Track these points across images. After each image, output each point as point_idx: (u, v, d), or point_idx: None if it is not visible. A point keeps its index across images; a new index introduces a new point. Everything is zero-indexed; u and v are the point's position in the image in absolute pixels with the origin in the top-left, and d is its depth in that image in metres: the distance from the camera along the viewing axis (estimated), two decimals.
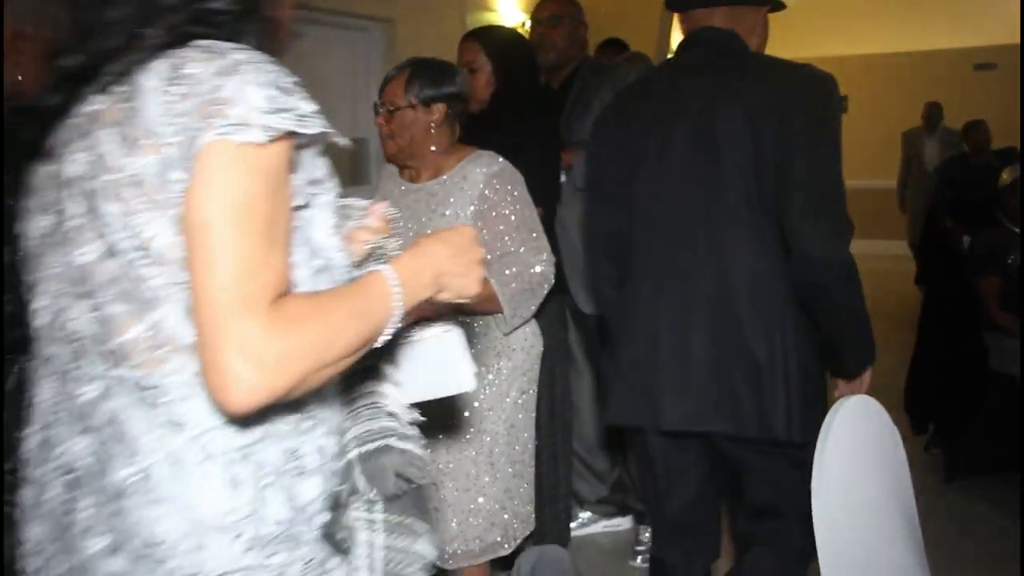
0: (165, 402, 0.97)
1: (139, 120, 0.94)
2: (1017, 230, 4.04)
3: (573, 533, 3.41)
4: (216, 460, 0.97)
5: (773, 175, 1.84)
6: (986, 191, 5.15)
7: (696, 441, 2.02)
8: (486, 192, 2.20)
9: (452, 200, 2.23)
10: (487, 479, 2.24)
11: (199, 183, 0.91)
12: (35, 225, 1.06)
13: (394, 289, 1.05)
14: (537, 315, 2.33)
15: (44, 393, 1.05)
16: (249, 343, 0.88)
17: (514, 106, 2.77)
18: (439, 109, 2.26)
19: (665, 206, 1.96)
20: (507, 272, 2.15)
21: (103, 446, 0.98)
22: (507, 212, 2.21)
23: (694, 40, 2.09)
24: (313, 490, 1.04)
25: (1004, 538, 3.34)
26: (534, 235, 2.24)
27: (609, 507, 3.49)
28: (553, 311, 2.81)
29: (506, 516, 2.25)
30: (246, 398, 0.89)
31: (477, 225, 2.16)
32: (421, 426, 1.30)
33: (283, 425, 1.01)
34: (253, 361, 0.88)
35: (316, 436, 1.04)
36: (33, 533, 1.06)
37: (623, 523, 3.48)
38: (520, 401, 2.32)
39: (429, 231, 2.13)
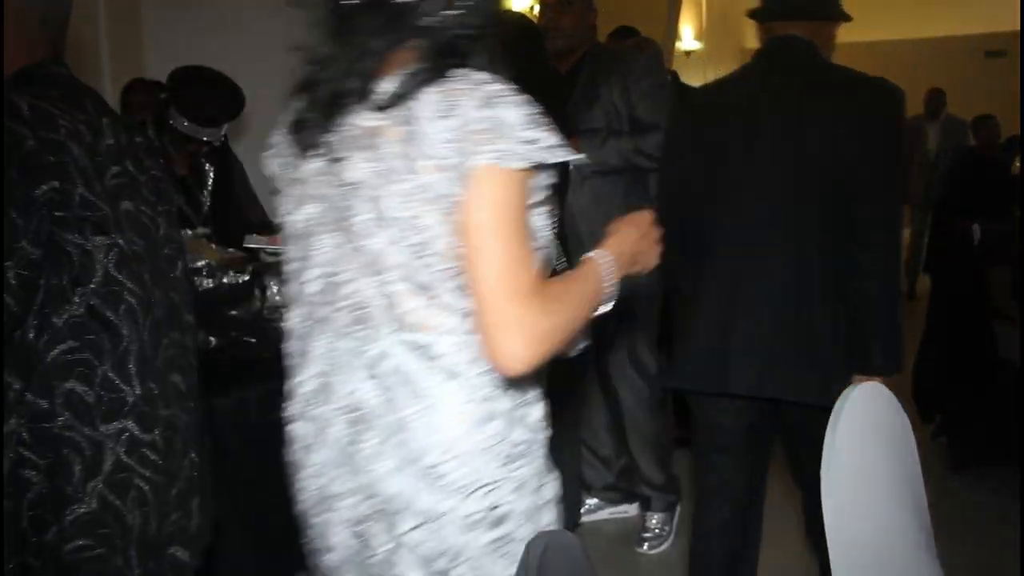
0: (440, 357, 1.24)
1: (418, 143, 1.19)
2: None
3: (580, 520, 3.42)
4: (478, 400, 1.26)
5: (846, 179, 2.10)
6: (997, 183, 5.15)
7: (757, 404, 2.25)
8: None
9: None
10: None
11: (473, 197, 1.18)
12: (304, 210, 1.33)
13: (607, 273, 1.34)
14: None
15: (318, 348, 1.33)
16: (522, 325, 1.17)
17: (522, 91, 2.75)
18: None
19: (748, 198, 2.20)
20: None
21: (388, 391, 1.26)
22: None
23: (775, 47, 2.33)
24: (538, 413, 1.36)
25: (1009, 526, 3.34)
26: None
27: (615, 494, 3.50)
28: None
29: None
30: (520, 366, 1.18)
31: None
32: None
33: None
34: (526, 338, 1.17)
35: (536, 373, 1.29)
36: (316, 459, 1.36)
37: (630, 510, 3.49)
38: None
39: None
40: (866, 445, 1.75)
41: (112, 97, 4.07)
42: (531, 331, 1.17)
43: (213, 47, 4.76)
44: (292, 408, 1.43)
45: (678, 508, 3.37)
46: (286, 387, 1.44)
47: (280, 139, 1.41)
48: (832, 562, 1.68)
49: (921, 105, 8.55)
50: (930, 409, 4.44)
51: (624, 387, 3.23)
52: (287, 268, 1.41)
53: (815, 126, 2.14)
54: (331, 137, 1.27)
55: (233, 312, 2.89)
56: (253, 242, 2.20)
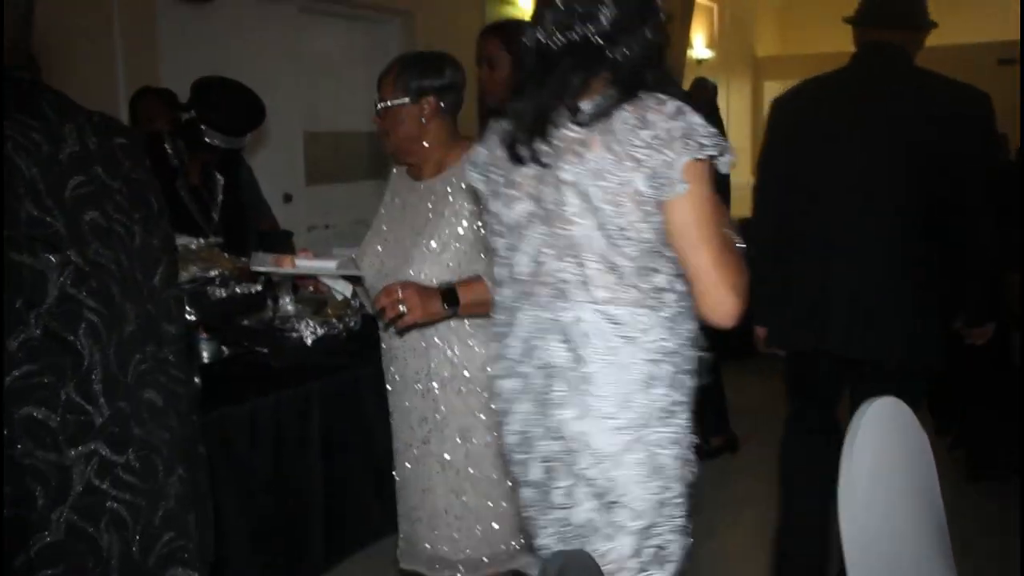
0: (621, 325, 1.53)
1: (621, 149, 1.49)
2: None
3: None
4: (649, 363, 1.54)
5: (940, 169, 2.46)
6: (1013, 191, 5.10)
7: (846, 363, 2.68)
8: None
9: (451, 198, 2.15)
10: (509, 483, 2.14)
11: (680, 191, 1.48)
12: (516, 207, 1.63)
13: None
14: None
15: (525, 318, 1.63)
16: (734, 285, 1.51)
17: None
18: (429, 102, 2.18)
19: (847, 181, 2.53)
20: None
21: (577, 351, 1.55)
22: None
23: (872, 51, 2.66)
24: (689, 382, 1.62)
25: None
26: None
27: None
28: None
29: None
30: (735, 316, 1.53)
31: (476, 226, 2.10)
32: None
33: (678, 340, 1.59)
34: (737, 294, 1.52)
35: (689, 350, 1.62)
36: (520, 408, 1.66)
37: None
38: None
39: (430, 231, 2.13)
40: (884, 461, 1.74)
41: (127, 114, 4.08)
42: (738, 290, 1.52)
43: (228, 57, 4.78)
44: (500, 367, 1.71)
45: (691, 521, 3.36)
46: (493, 351, 1.76)
47: (484, 155, 1.73)
48: None
49: None
50: (947, 421, 4.41)
51: None
52: (498, 254, 1.70)
53: (908, 118, 2.49)
54: (542, 148, 1.58)
55: (245, 322, 2.89)
56: (258, 263, 2.18)
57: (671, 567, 1.62)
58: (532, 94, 1.60)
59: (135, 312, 1.56)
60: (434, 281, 2.07)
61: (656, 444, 1.56)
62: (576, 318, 1.55)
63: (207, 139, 3.03)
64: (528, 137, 1.59)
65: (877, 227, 2.55)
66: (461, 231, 2.13)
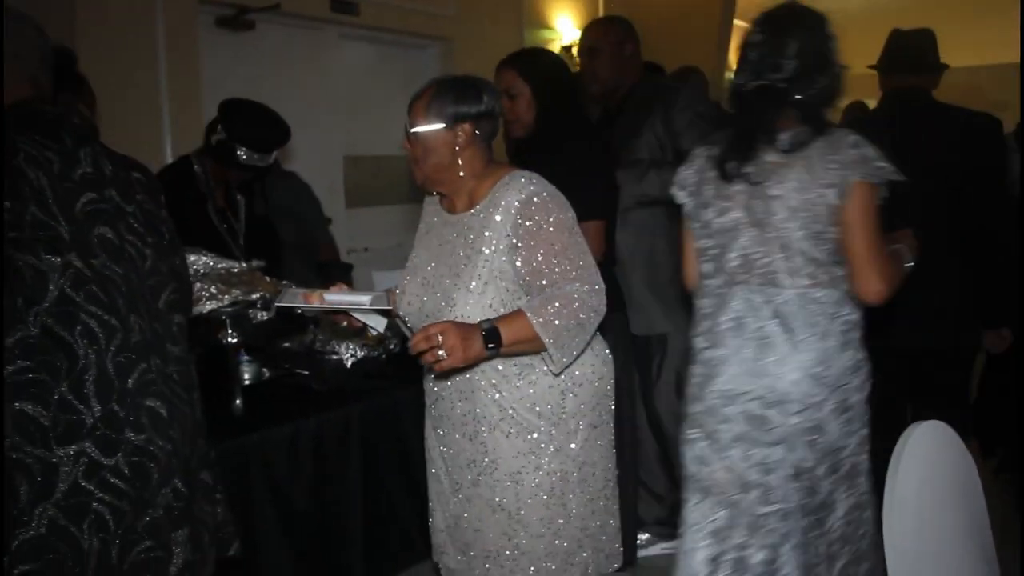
0: (821, 303, 2.02)
1: (815, 170, 1.97)
2: None
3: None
4: (844, 331, 2.03)
5: (967, 183, 2.92)
6: None
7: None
8: (519, 221, 2.02)
9: (487, 234, 2.05)
10: (561, 521, 2.12)
11: (853, 201, 1.96)
12: (729, 216, 2.09)
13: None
14: (604, 336, 2.25)
15: (735, 301, 2.09)
16: (882, 272, 1.98)
17: (558, 127, 2.76)
18: (465, 129, 2.07)
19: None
20: (550, 308, 1.92)
21: (787, 324, 2.02)
22: (545, 241, 2.01)
23: (903, 96, 3.19)
24: (864, 349, 2.09)
25: None
26: (579, 263, 2.02)
27: (668, 528, 3.45)
28: (618, 328, 2.79)
29: (585, 554, 2.15)
30: (881, 296, 1.99)
31: (513, 259, 2.03)
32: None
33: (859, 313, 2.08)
34: (884, 280, 1.98)
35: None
36: (727, 371, 2.09)
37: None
38: (592, 436, 2.16)
39: (470, 271, 2.05)
40: (929, 486, 1.71)
41: (171, 139, 4.16)
42: (885, 277, 1.99)
43: (269, 83, 4.85)
44: (708, 339, 2.14)
45: None
46: (698, 329, 2.19)
47: (692, 177, 2.20)
48: None
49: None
50: (993, 443, 4.32)
51: (673, 422, 3.19)
52: (706, 252, 2.16)
53: (937, 150, 2.95)
54: (750, 169, 2.04)
55: (286, 344, 2.92)
56: (288, 299, 2.12)
57: (862, 479, 2.10)
58: (736, 127, 2.11)
59: (141, 326, 1.61)
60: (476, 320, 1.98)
61: (848, 391, 2.03)
62: (785, 299, 2.02)
63: (239, 155, 3.08)
64: (739, 161, 2.05)
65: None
66: (500, 268, 2.04)
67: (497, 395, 2.09)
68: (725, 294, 2.10)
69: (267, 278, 2.91)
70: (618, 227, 3.04)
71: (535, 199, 2.02)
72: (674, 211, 3.12)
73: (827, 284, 2.01)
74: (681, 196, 2.22)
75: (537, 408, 2.09)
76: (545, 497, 2.10)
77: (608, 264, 2.78)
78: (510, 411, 2.09)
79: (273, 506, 2.49)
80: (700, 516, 2.11)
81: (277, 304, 2.16)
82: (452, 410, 2.16)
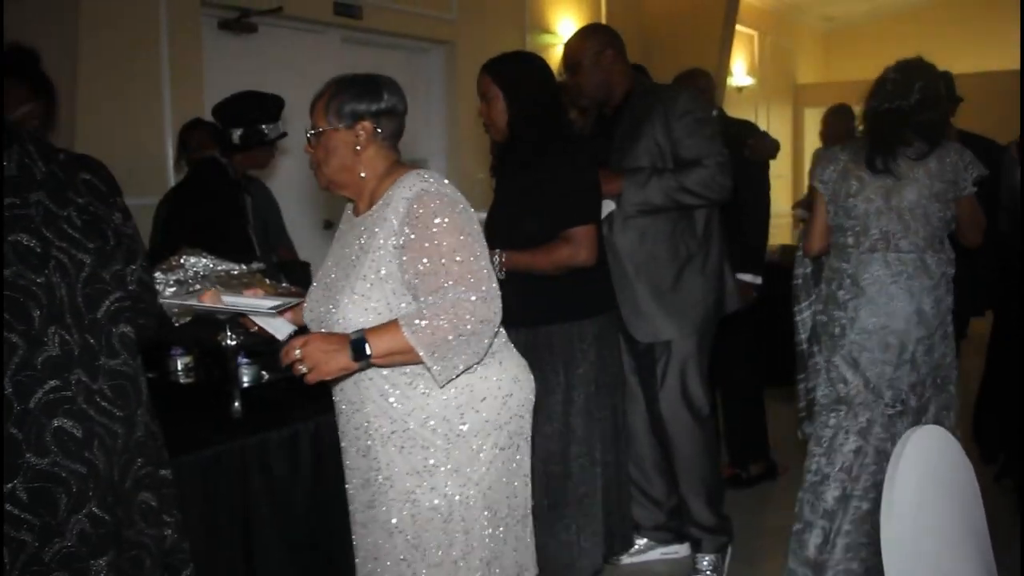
0: (931, 266, 2.87)
1: (940, 173, 2.84)
2: None
3: (630, 560, 3.40)
4: (945, 283, 2.92)
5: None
6: None
7: None
8: (407, 220, 1.88)
9: (378, 234, 1.93)
10: (460, 551, 1.97)
11: (966, 192, 2.90)
12: (872, 204, 2.87)
13: None
14: (561, 343, 2.20)
15: (873, 266, 2.88)
16: (981, 232, 3.05)
17: (533, 133, 2.71)
18: (365, 127, 1.98)
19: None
20: (427, 317, 1.81)
21: (910, 282, 2.86)
22: (431, 242, 1.86)
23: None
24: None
25: None
26: (469, 268, 1.86)
27: (666, 534, 3.45)
28: (602, 329, 2.82)
29: None
30: (976, 244, 3.07)
31: (401, 260, 1.89)
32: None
33: (952, 271, 2.97)
34: (981, 234, 3.08)
35: None
36: (871, 312, 2.91)
37: (680, 550, 3.44)
38: (499, 459, 2.00)
39: (358, 272, 1.94)
40: (926, 490, 1.71)
41: (173, 142, 4.18)
42: (981, 234, 2.91)
43: (270, 86, 4.86)
44: (850, 292, 2.93)
45: (729, 550, 3.31)
46: (841, 284, 2.98)
47: (833, 174, 2.99)
48: None
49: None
50: (993, 449, 4.32)
51: (676, 427, 3.19)
52: (846, 234, 2.96)
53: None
54: (893, 166, 2.85)
55: None
56: (182, 298, 2.11)
57: (952, 388, 2.94)
58: (875, 137, 2.92)
59: (64, 339, 1.50)
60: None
61: (948, 323, 2.89)
62: (912, 260, 2.84)
63: (266, 133, 3.37)
64: (884, 162, 2.86)
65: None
66: (388, 270, 1.91)
67: (387, 406, 1.96)
68: (866, 259, 2.89)
69: (268, 280, 2.91)
70: (619, 233, 3.06)
71: (424, 197, 1.89)
72: (679, 216, 3.13)
73: (938, 250, 2.87)
74: (821, 188, 3.03)
75: (431, 423, 1.95)
76: (443, 522, 1.95)
77: (599, 265, 2.79)
78: (403, 423, 1.95)
79: (272, 509, 2.49)
80: (845, 421, 2.87)
81: (169, 301, 2.09)
82: (348, 423, 2.06)
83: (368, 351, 1.79)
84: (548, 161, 2.67)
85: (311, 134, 2.02)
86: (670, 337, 3.13)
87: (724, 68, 8.01)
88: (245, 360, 2.75)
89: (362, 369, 1.88)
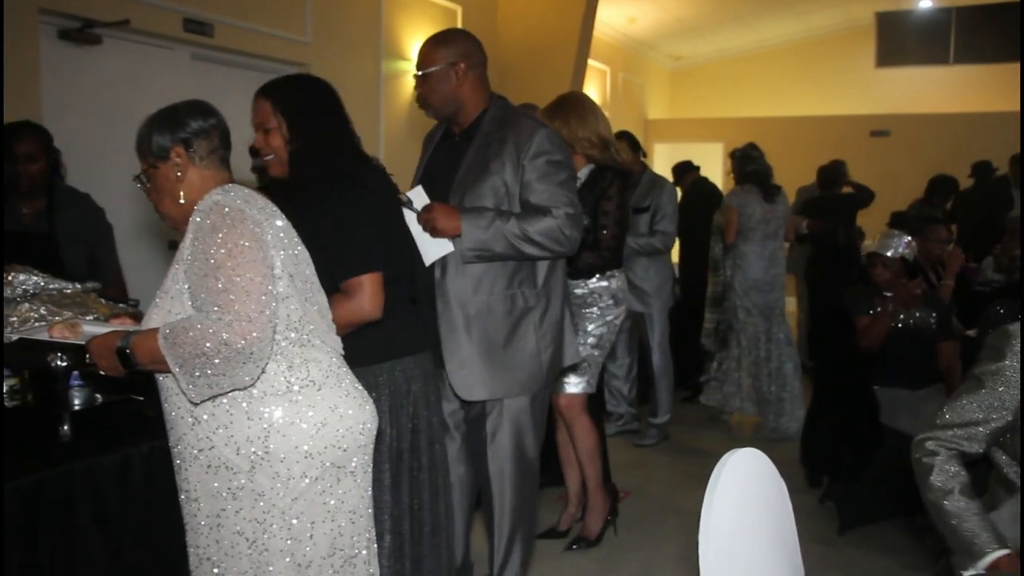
0: None
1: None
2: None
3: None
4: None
5: None
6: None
7: None
8: (194, 231, 1.89)
9: (182, 245, 1.94)
10: None
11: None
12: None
13: None
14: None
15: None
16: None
17: (313, 170, 2.42)
18: (179, 153, 1.99)
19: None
20: (178, 329, 1.79)
21: None
22: (204, 255, 1.84)
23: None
24: None
25: None
26: (230, 288, 1.80)
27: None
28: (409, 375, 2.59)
29: None
30: None
31: (183, 269, 1.92)
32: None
33: None
34: None
35: None
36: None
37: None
38: (315, 491, 1.96)
39: (167, 282, 1.96)
40: (742, 511, 1.80)
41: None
42: None
43: (116, 101, 4.70)
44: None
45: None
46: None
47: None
48: None
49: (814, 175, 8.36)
50: (818, 473, 4.57)
51: (501, 483, 2.96)
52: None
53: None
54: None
55: None
56: (31, 332, 2.10)
57: None
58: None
59: None
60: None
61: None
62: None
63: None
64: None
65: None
66: (184, 283, 1.91)
67: (192, 423, 1.93)
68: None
69: (102, 300, 2.82)
70: (453, 279, 2.80)
71: (212, 209, 1.88)
72: (518, 267, 2.73)
73: None
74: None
75: (235, 441, 1.90)
76: (248, 551, 1.92)
77: (404, 314, 2.57)
78: (207, 441, 1.92)
79: (100, 538, 2.40)
80: None
81: (19, 335, 2.15)
82: (169, 443, 2.03)
83: (133, 356, 1.90)
84: (329, 207, 2.37)
85: (141, 177, 2.06)
86: (498, 397, 2.85)
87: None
88: (78, 382, 2.65)
89: (132, 372, 1.95)
